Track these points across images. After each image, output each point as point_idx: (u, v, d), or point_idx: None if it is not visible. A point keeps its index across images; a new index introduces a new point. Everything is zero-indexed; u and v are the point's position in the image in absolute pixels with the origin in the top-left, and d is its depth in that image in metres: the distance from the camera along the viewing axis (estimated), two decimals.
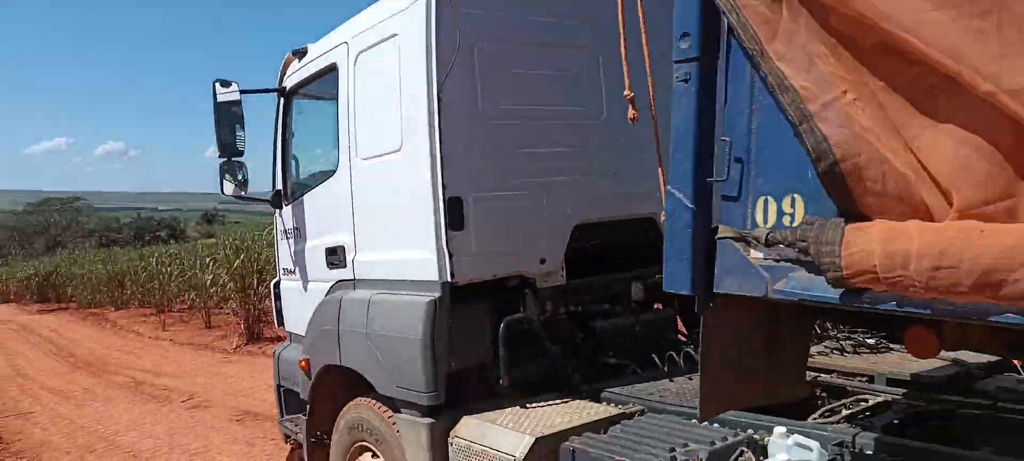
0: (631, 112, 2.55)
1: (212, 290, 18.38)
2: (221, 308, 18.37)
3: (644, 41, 2.41)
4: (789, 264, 2.06)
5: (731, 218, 2.24)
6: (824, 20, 1.88)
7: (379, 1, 4.26)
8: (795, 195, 2.07)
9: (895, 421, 3.13)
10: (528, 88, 4.10)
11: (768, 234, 2.08)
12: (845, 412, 3.28)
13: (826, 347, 4.23)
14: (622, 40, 2.48)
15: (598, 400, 3.83)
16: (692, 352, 4.07)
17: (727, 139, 2.20)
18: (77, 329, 23.02)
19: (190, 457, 8.17)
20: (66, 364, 15.94)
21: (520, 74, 4.07)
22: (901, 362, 3.78)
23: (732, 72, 2.20)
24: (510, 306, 4.07)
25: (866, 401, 3.44)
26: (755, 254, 2.16)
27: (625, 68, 2.52)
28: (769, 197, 2.14)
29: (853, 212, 1.88)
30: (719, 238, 2.26)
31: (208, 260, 21.60)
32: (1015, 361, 3.44)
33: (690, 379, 3.89)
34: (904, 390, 3.47)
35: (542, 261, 4.08)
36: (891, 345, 4.00)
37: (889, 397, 3.43)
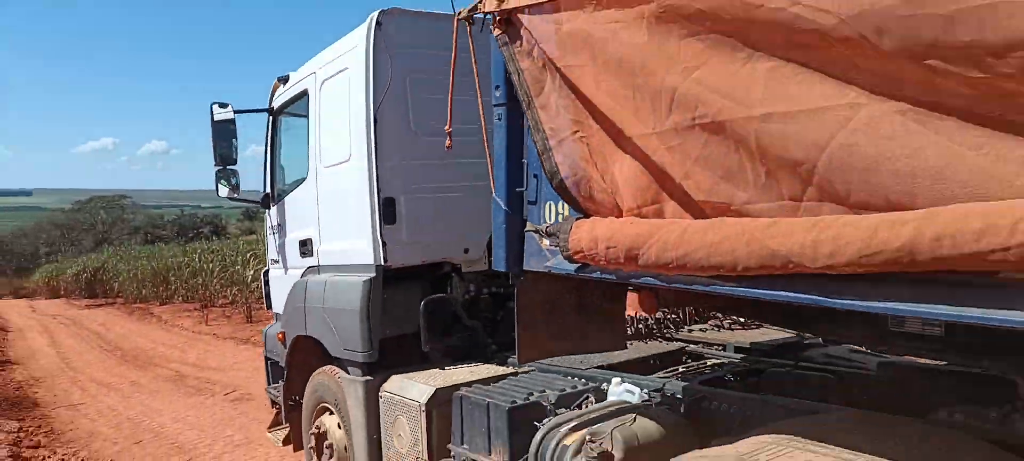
0: (448, 142, 3.46)
1: (254, 285, 19.11)
2: (262, 303, 18.80)
3: (478, 89, 3.29)
4: (557, 248, 2.93)
5: (533, 217, 3.14)
6: (568, 82, 2.76)
7: (339, 40, 5.23)
8: (562, 201, 2.96)
9: (726, 377, 3.97)
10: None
11: (546, 228, 2.97)
12: (687, 369, 4.17)
13: (708, 324, 5.10)
14: (451, 88, 3.38)
15: (504, 364, 4.72)
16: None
17: (526, 161, 3.10)
18: (124, 324, 23.52)
19: (233, 448, 8.33)
20: (113, 358, 16.32)
21: (445, 99, 5.01)
22: (762, 335, 4.60)
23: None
24: (440, 287, 5.01)
25: (718, 362, 4.32)
26: (545, 242, 3.05)
27: (450, 112, 3.42)
28: (552, 202, 3.03)
29: (582, 212, 2.76)
30: (526, 231, 3.15)
31: (249, 256, 22.40)
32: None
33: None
34: (742, 355, 4.32)
35: (466, 251, 4.99)
36: (761, 324, 4.81)
37: (728, 360, 4.31)
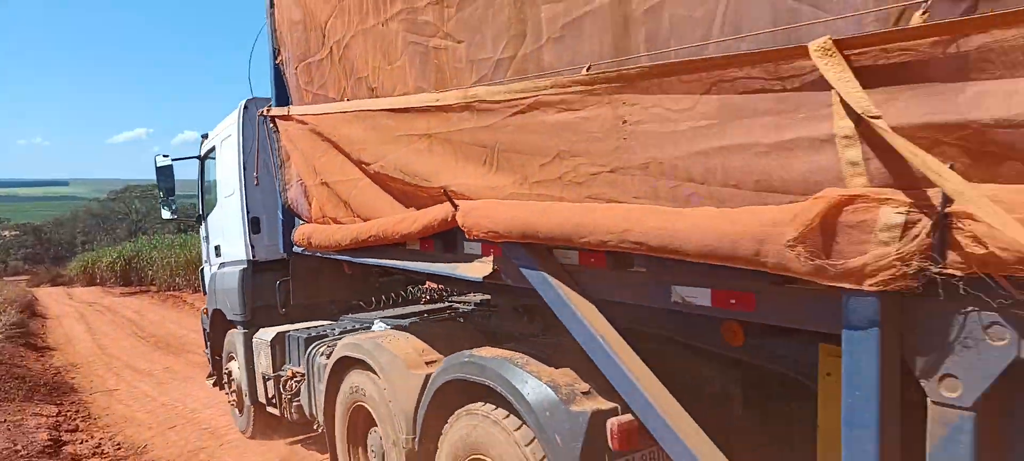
0: (256, 180, 6.27)
1: None
2: None
3: (258, 145, 6.05)
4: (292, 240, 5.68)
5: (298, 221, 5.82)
6: (295, 154, 5.40)
7: (228, 115, 7.73)
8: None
9: (449, 316, 6.40)
10: None
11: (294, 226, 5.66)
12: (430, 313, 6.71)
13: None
14: (257, 150, 6.16)
15: (336, 319, 7.27)
16: (403, 293, 7.61)
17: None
18: (157, 311, 23.95)
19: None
20: (147, 344, 16.58)
21: None
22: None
23: None
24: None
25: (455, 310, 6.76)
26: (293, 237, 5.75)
27: (256, 163, 6.28)
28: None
29: (302, 221, 5.49)
30: (294, 228, 5.85)
31: None
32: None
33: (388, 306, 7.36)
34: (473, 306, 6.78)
35: None
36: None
37: (462, 309, 6.77)
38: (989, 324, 1.78)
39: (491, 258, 3.69)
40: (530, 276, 3.27)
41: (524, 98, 3.07)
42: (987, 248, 1.67)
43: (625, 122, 2.61)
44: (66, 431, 9.02)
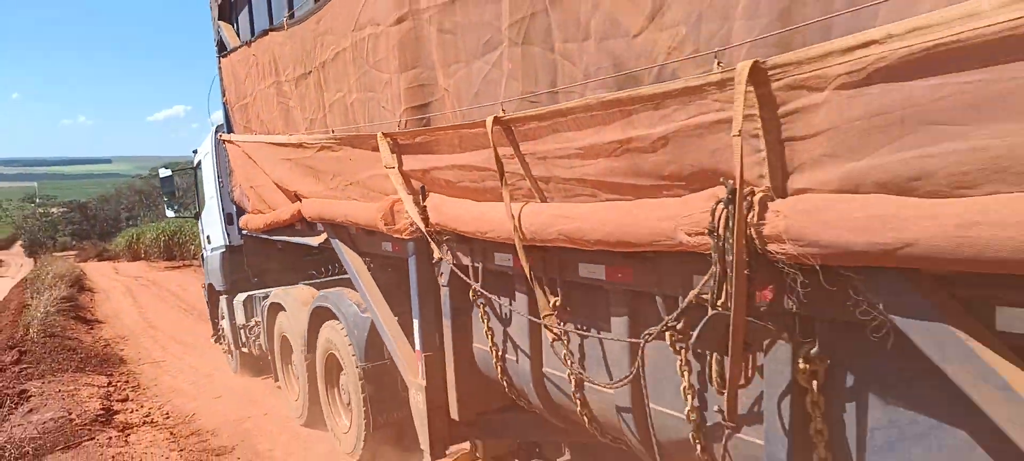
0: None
1: None
2: None
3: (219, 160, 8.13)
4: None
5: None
6: (238, 166, 7.41)
7: (208, 135, 9.69)
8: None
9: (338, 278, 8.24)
10: None
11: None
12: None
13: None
14: (217, 165, 8.16)
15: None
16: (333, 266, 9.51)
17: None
18: (199, 285, 23.47)
19: None
20: (191, 317, 16.95)
21: None
22: None
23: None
24: None
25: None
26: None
27: (217, 176, 8.26)
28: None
29: (249, 212, 7.43)
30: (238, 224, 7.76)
31: None
32: None
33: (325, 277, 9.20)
34: None
35: None
36: None
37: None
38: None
39: (324, 233, 6.20)
40: (334, 242, 5.94)
41: (319, 142, 5.48)
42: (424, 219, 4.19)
43: (350, 159, 5.12)
44: (117, 401, 9.35)
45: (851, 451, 2.33)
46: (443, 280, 4.45)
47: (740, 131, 2.13)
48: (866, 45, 1.86)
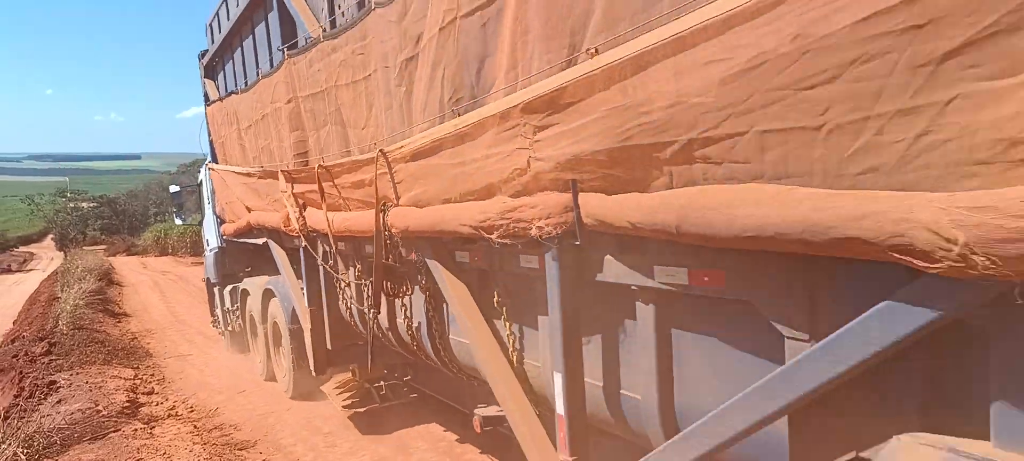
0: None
1: None
2: None
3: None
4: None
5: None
6: (218, 189, 8.30)
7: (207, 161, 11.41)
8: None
9: None
10: None
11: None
12: None
13: None
14: (207, 180, 9.38)
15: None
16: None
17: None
18: None
19: (324, 399, 8.41)
20: None
21: None
22: None
23: None
24: None
25: None
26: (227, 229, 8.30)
27: (206, 195, 9.42)
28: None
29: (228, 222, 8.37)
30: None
31: None
32: None
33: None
34: None
35: None
36: None
37: None
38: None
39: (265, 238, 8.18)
40: (269, 242, 8.06)
41: (256, 173, 7.97)
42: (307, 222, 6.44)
43: (269, 186, 7.48)
44: (143, 393, 9.46)
45: (424, 317, 5.12)
46: (318, 261, 6.60)
47: (376, 177, 4.76)
48: (407, 145, 4.42)
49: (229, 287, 11.09)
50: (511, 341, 4.14)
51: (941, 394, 2.15)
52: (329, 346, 7.06)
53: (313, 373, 7.52)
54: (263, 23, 7.95)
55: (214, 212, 10.83)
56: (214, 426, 8.15)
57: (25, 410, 8.35)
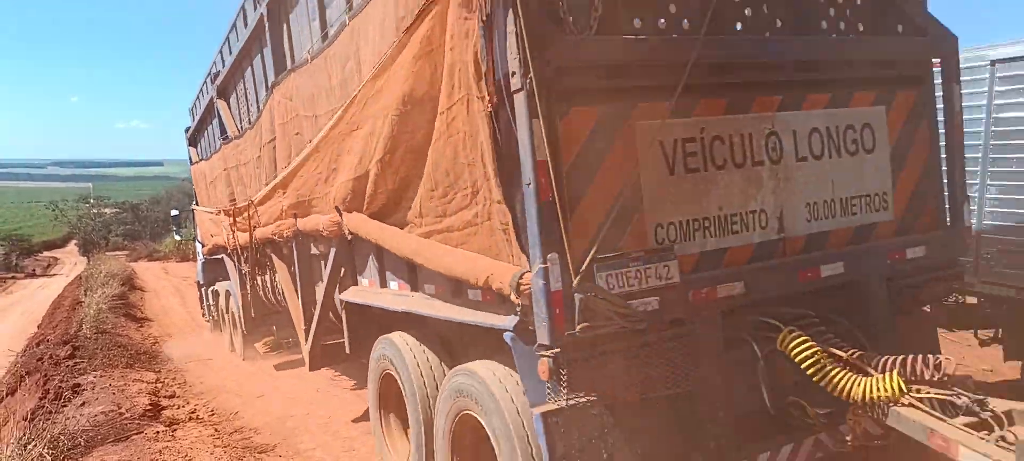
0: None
1: None
2: None
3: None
4: None
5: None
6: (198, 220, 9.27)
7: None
8: None
9: None
10: None
11: None
12: None
13: None
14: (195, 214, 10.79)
15: None
16: None
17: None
18: None
19: (342, 403, 8.81)
20: None
21: None
22: None
23: None
24: None
25: None
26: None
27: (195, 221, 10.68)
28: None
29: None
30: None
31: None
32: None
33: None
34: None
35: None
36: None
37: None
38: None
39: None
40: (224, 256, 11.42)
41: (212, 212, 12.30)
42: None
43: (218, 220, 11.67)
44: (164, 397, 9.65)
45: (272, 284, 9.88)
46: (237, 264, 10.44)
47: (250, 214, 9.23)
48: (259, 196, 8.82)
49: (210, 288, 14.83)
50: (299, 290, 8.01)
51: None
52: (252, 315, 11.10)
53: (245, 334, 11.70)
54: (215, 118, 12.02)
55: (198, 238, 15.59)
56: (234, 429, 8.20)
57: (50, 412, 8.47)
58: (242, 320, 11.40)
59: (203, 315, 16.60)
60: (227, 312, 13.08)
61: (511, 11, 3.43)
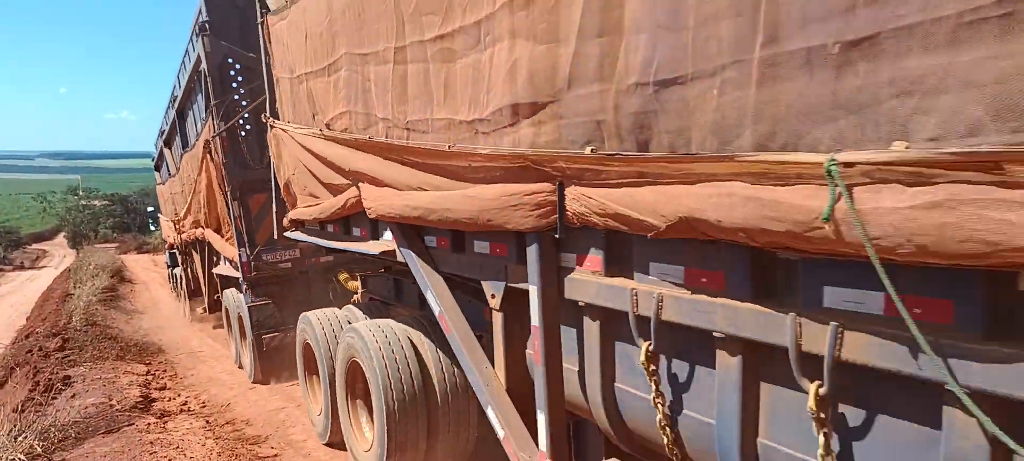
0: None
1: None
2: None
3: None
4: None
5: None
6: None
7: None
8: None
9: None
10: None
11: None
12: None
13: None
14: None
15: None
16: None
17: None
18: None
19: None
20: None
21: None
22: None
23: None
24: None
25: None
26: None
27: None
28: None
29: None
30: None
31: None
32: None
33: None
34: None
35: None
36: None
37: None
38: None
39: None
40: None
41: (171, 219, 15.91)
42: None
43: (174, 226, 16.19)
44: (155, 389, 9.50)
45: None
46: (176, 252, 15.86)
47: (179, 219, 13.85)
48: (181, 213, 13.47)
49: (172, 270, 19.23)
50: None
51: None
52: (191, 287, 15.56)
53: (187, 301, 16.24)
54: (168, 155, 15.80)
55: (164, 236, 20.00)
56: (226, 421, 8.20)
57: (40, 404, 8.40)
58: (184, 291, 16.77)
59: (171, 287, 20.68)
60: (180, 287, 18.04)
61: None
